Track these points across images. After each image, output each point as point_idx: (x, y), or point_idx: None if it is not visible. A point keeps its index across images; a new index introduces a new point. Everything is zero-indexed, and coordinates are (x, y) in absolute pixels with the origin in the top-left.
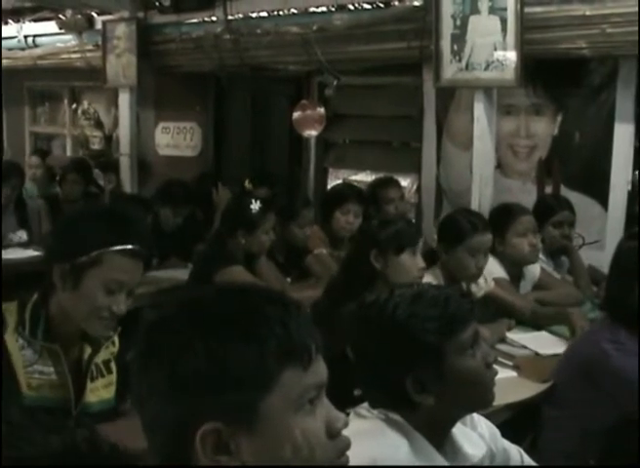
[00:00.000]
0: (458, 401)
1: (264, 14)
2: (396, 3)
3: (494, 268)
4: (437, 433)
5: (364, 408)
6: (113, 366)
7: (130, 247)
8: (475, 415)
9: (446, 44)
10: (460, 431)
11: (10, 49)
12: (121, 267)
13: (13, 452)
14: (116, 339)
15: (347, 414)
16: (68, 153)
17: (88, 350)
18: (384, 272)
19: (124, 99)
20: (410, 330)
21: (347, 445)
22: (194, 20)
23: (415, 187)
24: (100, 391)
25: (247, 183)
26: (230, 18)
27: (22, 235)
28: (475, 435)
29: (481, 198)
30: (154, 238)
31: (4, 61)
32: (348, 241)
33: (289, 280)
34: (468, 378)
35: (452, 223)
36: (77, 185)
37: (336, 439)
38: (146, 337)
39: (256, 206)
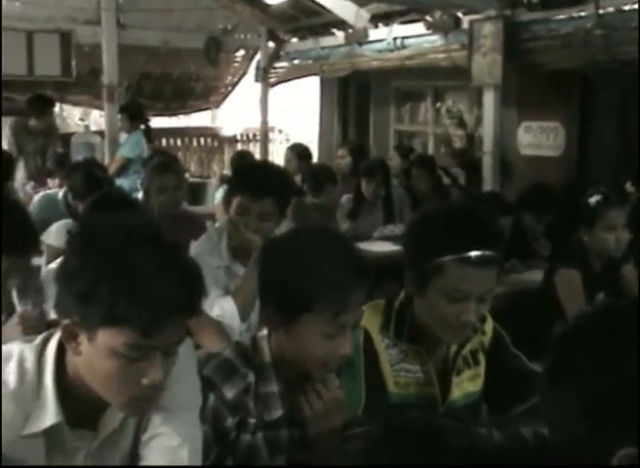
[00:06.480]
0: None
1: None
2: None
3: None
4: None
5: None
6: (481, 356)
7: (470, 254)
8: None
9: None
10: None
11: (379, 51)
12: (463, 276)
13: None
14: (486, 328)
15: None
16: (430, 151)
17: (454, 345)
18: None
19: (488, 98)
20: None
21: None
22: (563, 16)
23: None
24: (465, 384)
25: (629, 186)
26: (602, 12)
27: (394, 229)
28: None
29: None
30: (514, 241)
31: (374, 63)
32: None
33: None
34: None
35: None
36: (424, 181)
37: None
38: (558, 349)
39: (594, 199)
